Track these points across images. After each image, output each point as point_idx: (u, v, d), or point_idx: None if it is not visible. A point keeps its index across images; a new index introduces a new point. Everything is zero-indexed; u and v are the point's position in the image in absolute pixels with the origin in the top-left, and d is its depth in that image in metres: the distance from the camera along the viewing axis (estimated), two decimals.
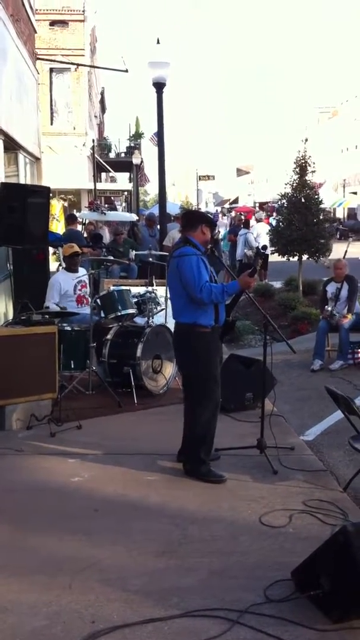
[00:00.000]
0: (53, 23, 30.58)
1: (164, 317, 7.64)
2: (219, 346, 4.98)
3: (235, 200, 78.24)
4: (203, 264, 4.68)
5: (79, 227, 18.19)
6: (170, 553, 3.75)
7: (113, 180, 44.63)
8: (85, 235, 16.25)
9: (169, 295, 5.31)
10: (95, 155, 29.91)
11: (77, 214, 22.41)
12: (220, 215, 40.56)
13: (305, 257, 13.35)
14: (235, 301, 5.07)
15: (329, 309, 8.75)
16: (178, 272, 4.68)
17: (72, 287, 7.47)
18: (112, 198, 39.82)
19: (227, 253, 18.63)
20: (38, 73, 16.75)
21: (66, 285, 7.43)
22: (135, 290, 7.92)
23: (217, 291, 4.64)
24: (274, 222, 15.34)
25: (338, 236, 36.74)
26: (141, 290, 7.91)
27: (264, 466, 4.94)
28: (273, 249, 13.76)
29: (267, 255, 16.21)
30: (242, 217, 21.58)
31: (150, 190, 72.28)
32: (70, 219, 15.91)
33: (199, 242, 4.80)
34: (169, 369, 7.04)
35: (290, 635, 2.97)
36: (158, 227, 13.24)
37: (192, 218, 5.09)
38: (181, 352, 5.01)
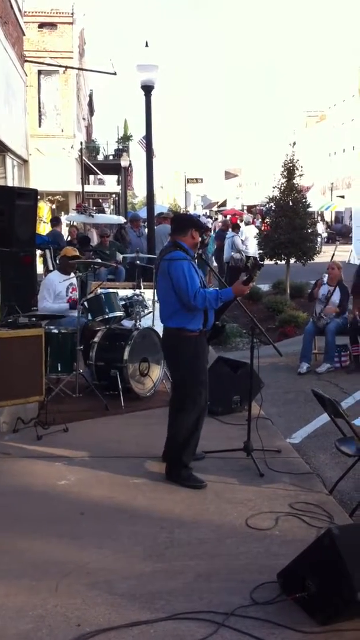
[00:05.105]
0: (42, 25, 30.54)
1: (152, 319, 7.64)
2: (206, 350, 4.96)
3: (224, 203, 78.39)
4: (194, 269, 4.69)
5: (65, 229, 18.24)
6: (156, 556, 3.75)
7: (101, 182, 44.58)
8: (69, 238, 16.27)
9: (156, 298, 5.28)
10: (84, 158, 29.91)
11: (65, 217, 22.39)
12: (210, 220, 40.53)
13: (292, 260, 13.42)
14: (226, 306, 5.05)
15: (321, 306, 8.80)
16: (169, 276, 4.66)
17: (65, 289, 7.49)
18: (100, 200, 39.78)
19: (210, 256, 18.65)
20: (26, 75, 16.75)
21: (60, 286, 7.45)
22: (122, 292, 7.92)
23: (212, 298, 4.62)
24: (258, 225, 15.40)
25: (326, 240, 36.95)
26: (129, 292, 7.91)
27: (251, 469, 4.95)
28: (261, 252, 13.82)
29: (256, 258, 16.26)
30: (228, 219, 21.58)
31: (139, 192, 72.30)
32: (54, 221, 15.97)
33: (188, 247, 4.78)
34: (156, 371, 7.04)
35: (276, 638, 2.99)
36: (145, 228, 13.24)
37: (181, 222, 5.05)
38: (169, 356, 5.02)
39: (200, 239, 4.93)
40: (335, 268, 9.07)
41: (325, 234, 36.72)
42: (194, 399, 4.77)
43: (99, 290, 7.47)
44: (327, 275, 9.00)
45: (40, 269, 13.37)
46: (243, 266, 16.07)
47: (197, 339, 4.76)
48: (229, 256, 16.66)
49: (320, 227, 36.07)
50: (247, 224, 19.54)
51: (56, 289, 7.42)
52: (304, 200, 13.64)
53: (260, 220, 20.88)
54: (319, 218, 43.19)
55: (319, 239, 32.86)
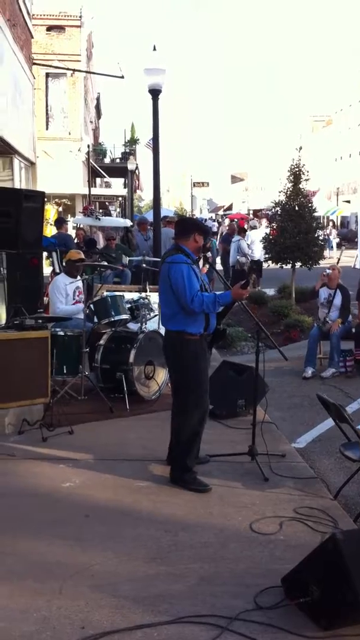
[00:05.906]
0: (50, 28, 30.61)
1: (157, 323, 7.65)
2: (207, 353, 4.95)
3: (230, 207, 78.44)
4: (194, 273, 4.69)
5: (71, 232, 18.20)
6: (160, 559, 3.76)
7: (108, 185, 44.66)
8: (76, 240, 16.26)
9: (158, 301, 5.29)
10: (90, 161, 29.96)
11: (72, 219, 22.40)
12: (215, 224, 40.45)
13: (298, 264, 13.41)
14: (227, 310, 5.07)
15: (325, 310, 8.82)
16: (169, 279, 4.69)
17: (72, 292, 7.54)
18: (107, 203, 39.82)
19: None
20: (34, 78, 16.80)
21: (68, 289, 7.50)
22: (128, 295, 7.94)
23: (209, 301, 4.64)
24: (266, 230, 15.41)
25: (337, 245, 36.89)
26: (134, 295, 7.92)
27: (255, 473, 4.95)
28: (267, 256, 13.83)
29: (261, 262, 16.27)
30: (235, 223, 21.58)
31: (145, 196, 72.41)
32: (59, 223, 15.90)
33: (191, 251, 4.81)
34: (162, 374, 7.05)
35: None
36: (151, 231, 13.26)
37: (185, 226, 5.06)
38: (169, 359, 4.99)
39: (203, 243, 4.94)
40: (335, 269, 9.11)
41: (337, 239, 36.44)
42: (195, 402, 4.77)
43: (105, 293, 7.49)
44: (329, 271, 9.06)
45: (46, 271, 13.38)
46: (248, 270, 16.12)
47: (198, 342, 4.77)
48: (235, 260, 16.69)
49: (333, 232, 35.83)
50: (252, 228, 19.56)
51: (66, 291, 7.48)
52: (309, 204, 13.64)
53: (262, 224, 20.86)
54: (331, 223, 43.09)
55: (334, 243, 32.37)
